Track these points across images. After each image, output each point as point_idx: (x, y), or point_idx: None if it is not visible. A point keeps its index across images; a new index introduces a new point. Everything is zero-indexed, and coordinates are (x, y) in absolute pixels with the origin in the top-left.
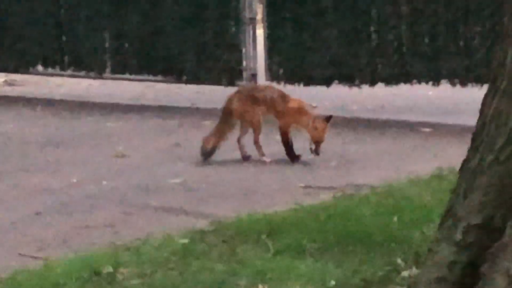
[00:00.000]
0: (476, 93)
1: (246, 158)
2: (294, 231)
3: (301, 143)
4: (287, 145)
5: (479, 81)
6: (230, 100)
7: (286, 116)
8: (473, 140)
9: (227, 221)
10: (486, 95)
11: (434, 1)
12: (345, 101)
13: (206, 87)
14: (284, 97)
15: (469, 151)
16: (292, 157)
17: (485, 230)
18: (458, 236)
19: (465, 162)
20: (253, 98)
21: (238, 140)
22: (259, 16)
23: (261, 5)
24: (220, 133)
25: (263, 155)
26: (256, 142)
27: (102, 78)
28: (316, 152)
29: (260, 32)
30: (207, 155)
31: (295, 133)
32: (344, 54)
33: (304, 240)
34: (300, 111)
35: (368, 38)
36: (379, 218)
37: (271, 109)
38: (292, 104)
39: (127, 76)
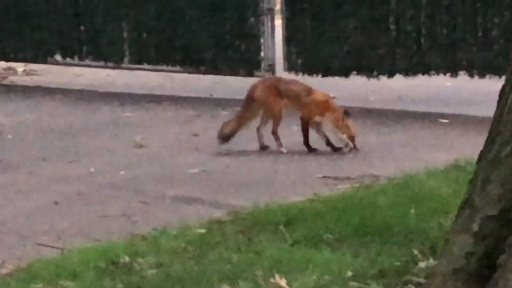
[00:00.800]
0: (494, 85)
1: (264, 147)
2: (311, 222)
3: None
4: (307, 134)
5: (497, 72)
6: (254, 87)
7: (310, 107)
8: (490, 131)
9: (245, 211)
10: (504, 86)
11: None
12: (363, 92)
13: (224, 78)
14: (309, 90)
15: (486, 142)
16: (309, 147)
17: (502, 222)
18: (475, 227)
19: (483, 153)
20: (277, 89)
21: (258, 129)
22: (277, 7)
23: None
24: (240, 119)
25: (281, 145)
26: (274, 132)
27: (121, 68)
28: (351, 149)
29: (278, 23)
30: (223, 139)
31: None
32: (362, 45)
33: (321, 230)
34: (325, 104)
35: (387, 29)
36: (396, 209)
37: (294, 103)
38: (317, 96)
39: (145, 66)
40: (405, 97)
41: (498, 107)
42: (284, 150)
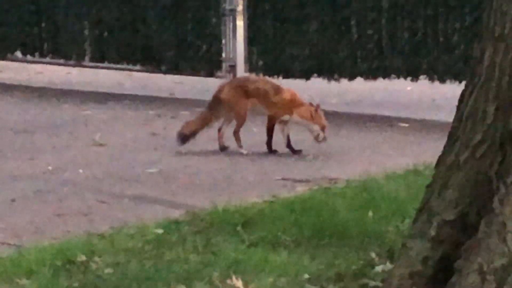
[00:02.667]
0: (454, 89)
1: (223, 148)
2: (269, 224)
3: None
4: (271, 134)
5: (457, 77)
6: (221, 88)
7: (279, 107)
8: (450, 136)
9: (203, 211)
10: (463, 91)
11: None
12: (324, 95)
13: (184, 78)
14: (277, 88)
15: (445, 147)
16: (271, 148)
17: (459, 226)
18: (432, 231)
19: (441, 157)
20: (245, 89)
21: (219, 130)
22: (239, 8)
23: None
24: (203, 120)
25: (241, 146)
26: (236, 133)
27: (81, 66)
28: (324, 138)
29: (240, 24)
30: (183, 139)
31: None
32: (323, 48)
33: (279, 232)
34: (293, 102)
35: (348, 32)
36: (354, 212)
37: (263, 101)
38: (286, 95)
39: (106, 64)
40: (366, 100)
41: (457, 112)
42: (244, 152)
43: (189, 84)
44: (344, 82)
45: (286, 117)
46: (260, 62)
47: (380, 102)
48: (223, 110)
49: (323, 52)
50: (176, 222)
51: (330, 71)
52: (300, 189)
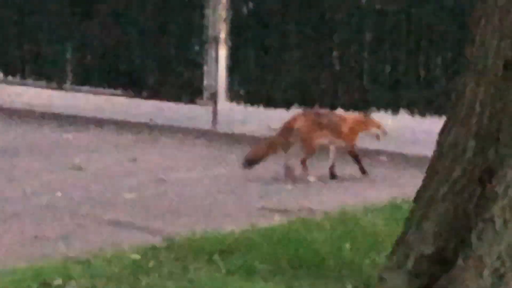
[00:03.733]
0: (434, 124)
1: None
2: (246, 252)
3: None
4: (358, 159)
5: (438, 112)
6: (296, 118)
7: (350, 135)
8: (429, 170)
9: (180, 238)
10: (444, 126)
11: (396, 30)
12: None
13: (164, 104)
14: (343, 119)
15: (424, 180)
16: (364, 170)
17: (437, 260)
18: (410, 264)
19: (420, 191)
20: (318, 122)
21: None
22: (222, 36)
23: (225, 25)
24: (272, 146)
25: (308, 174)
26: (304, 161)
27: (63, 89)
28: (384, 133)
29: (223, 52)
30: (249, 164)
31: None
32: (305, 78)
33: (256, 261)
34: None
35: (330, 63)
36: (331, 243)
37: (334, 133)
38: (349, 122)
39: (87, 88)
40: None
41: (437, 147)
42: (312, 179)
43: (169, 110)
44: None
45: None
46: (241, 91)
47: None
48: (294, 139)
49: (304, 82)
50: (154, 248)
51: (311, 102)
52: (279, 218)
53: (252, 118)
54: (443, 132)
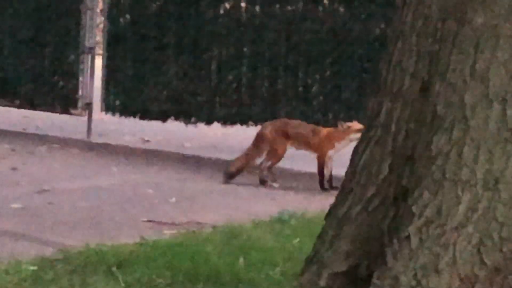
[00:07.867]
0: None
1: (262, 182)
2: (143, 265)
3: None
4: (322, 172)
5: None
6: (265, 126)
7: (322, 146)
8: (342, 188)
9: (75, 250)
10: (358, 144)
11: (276, 46)
12: (179, 138)
13: (36, 113)
14: (315, 130)
15: (337, 198)
16: (323, 186)
17: (350, 278)
18: (322, 282)
19: (333, 209)
20: (285, 132)
21: (260, 164)
22: (99, 46)
23: (101, 35)
24: (249, 157)
25: (275, 180)
26: (270, 168)
27: None
28: None
29: (99, 62)
30: (230, 177)
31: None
32: (182, 91)
33: (153, 274)
34: (331, 136)
35: (208, 76)
36: (225, 257)
37: (301, 144)
38: (322, 133)
39: None
40: (221, 145)
41: (351, 165)
42: (276, 185)
43: (41, 119)
44: (202, 126)
45: (330, 152)
46: (117, 102)
47: (235, 147)
48: (266, 146)
49: (181, 95)
50: (49, 260)
51: (188, 115)
52: (168, 232)
53: (127, 129)
54: (357, 150)
